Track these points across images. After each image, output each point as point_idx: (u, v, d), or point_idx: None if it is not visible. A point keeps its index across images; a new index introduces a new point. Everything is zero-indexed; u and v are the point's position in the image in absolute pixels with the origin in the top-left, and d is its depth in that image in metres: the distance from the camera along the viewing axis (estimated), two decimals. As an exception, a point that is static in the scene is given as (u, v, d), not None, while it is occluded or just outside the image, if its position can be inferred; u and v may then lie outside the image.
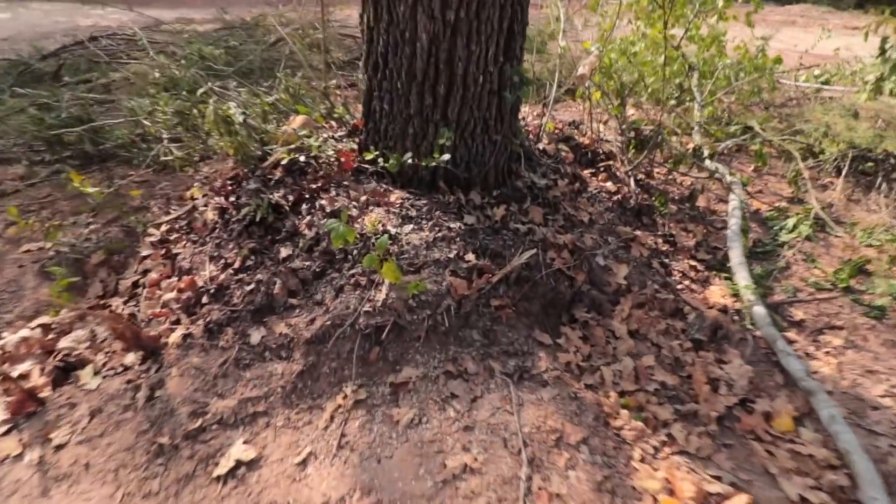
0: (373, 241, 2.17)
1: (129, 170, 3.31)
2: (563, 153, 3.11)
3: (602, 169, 3.13)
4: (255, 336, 1.96)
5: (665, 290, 2.51)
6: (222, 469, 1.61)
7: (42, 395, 1.86)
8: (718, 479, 1.69)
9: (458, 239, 2.23)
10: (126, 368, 1.95)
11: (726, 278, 2.65)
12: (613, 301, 2.38)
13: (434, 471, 1.64)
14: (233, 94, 2.49)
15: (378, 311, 1.96)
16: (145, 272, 2.49)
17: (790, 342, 2.30)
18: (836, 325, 2.40)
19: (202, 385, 1.82)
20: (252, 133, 2.29)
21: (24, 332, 2.11)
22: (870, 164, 3.71)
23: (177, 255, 2.48)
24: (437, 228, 2.28)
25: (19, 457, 1.66)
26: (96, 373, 1.95)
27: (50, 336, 2.14)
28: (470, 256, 2.17)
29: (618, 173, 3.13)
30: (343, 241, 2.00)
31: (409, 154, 2.26)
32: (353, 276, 2.08)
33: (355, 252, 2.17)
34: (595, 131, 3.31)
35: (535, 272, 2.25)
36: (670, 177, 3.53)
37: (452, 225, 2.29)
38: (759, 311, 2.30)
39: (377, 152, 2.43)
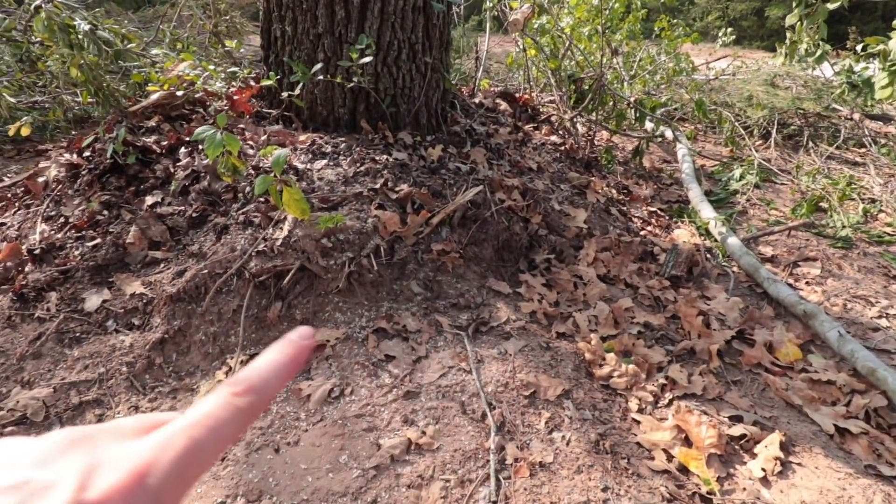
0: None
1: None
2: (502, 107, 2.81)
3: (545, 121, 2.85)
4: (93, 300, 1.35)
5: (629, 234, 2.20)
6: (5, 491, 0.98)
7: None
8: (739, 419, 1.30)
9: (385, 171, 1.78)
10: None
11: (691, 221, 2.39)
12: (576, 246, 2.02)
13: (363, 455, 1.12)
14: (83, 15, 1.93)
15: (278, 252, 1.44)
16: (-49, 250, 1.79)
17: (769, 277, 2.05)
18: (809, 256, 2.19)
19: (-3, 372, 1.19)
20: (105, 48, 1.73)
21: None
22: (793, 127, 3.78)
23: (3, 224, 1.81)
24: (358, 164, 1.82)
25: None
26: None
27: None
28: (402, 186, 1.72)
29: (561, 128, 2.87)
30: (229, 168, 1.49)
31: (320, 65, 1.80)
32: (243, 214, 1.55)
33: (247, 189, 1.64)
34: (533, 86, 3.05)
35: (484, 210, 1.84)
36: (611, 142, 3.34)
37: (379, 157, 1.85)
38: (734, 241, 2.04)
39: (278, 77, 1.95)
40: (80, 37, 1.68)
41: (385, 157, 1.86)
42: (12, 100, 2.00)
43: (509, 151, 2.38)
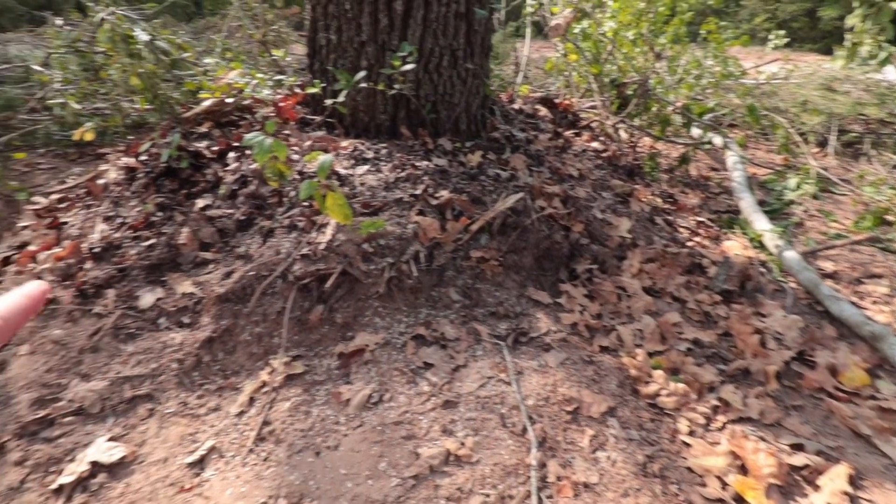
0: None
1: (32, 151, 2.75)
2: (541, 113, 2.77)
3: (585, 127, 2.79)
4: (147, 298, 1.41)
5: (675, 244, 2.11)
6: (68, 477, 1.02)
7: None
8: (800, 448, 1.22)
9: (425, 178, 1.78)
10: (-45, 354, 1.35)
11: (743, 233, 2.28)
12: (619, 256, 1.95)
13: (402, 463, 1.11)
14: (145, 26, 2.04)
15: (321, 255, 1.45)
16: (22, 246, 1.91)
17: (830, 294, 1.91)
18: (874, 273, 2.03)
19: (60, 363, 1.25)
20: (162, 58, 1.82)
21: None
22: (853, 134, 3.55)
23: (65, 223, 1.92)
24: (399, 169, 1.83)
25: None
26: None
27: None
28: (442, 193, 1.71)
29: (602, 134, 2.80)
30: (275, 172, 1.53)
31: (363, 73, 1.83)
32: (288, 218, 1.58)
33: (292, 194, 1.68)
34: (574, 91, 3.00)
35: (524, 218, 1.81)
36: (654, 149, 3.24)
37: (419, 164, 1.85)
38: (792, 255, 1.92)
39: (324, 84, 1.99)
40: (139, 47, 1.77)
41: (425, 163, 1.87)
42: (77, 106, 2.13)
43: (549, 158, 2.34)
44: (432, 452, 1.13)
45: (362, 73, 1.81)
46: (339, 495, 1.03)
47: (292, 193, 1.68)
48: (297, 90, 2.27)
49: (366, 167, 1.83)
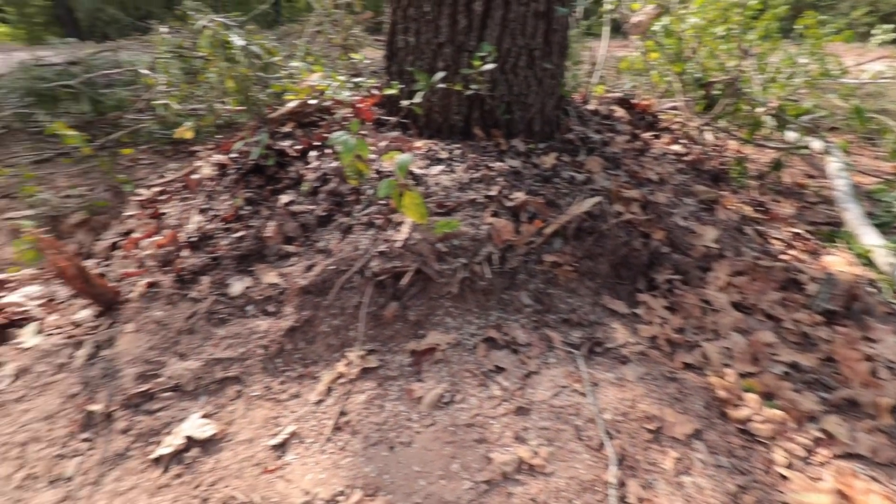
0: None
1: (135, 148, 3.04)
2: (617, 114, 2.65)
3: (665, 129, 2.64)
4: (237, 286, 1.50)
5: (768, 257, 1.94)
6: (166, 449, 1.11)
7: (-37, 354, 1.44)
8: (926, 495, 1.07)
9: (499, 179, 1.76)
10: (76, 326, 1.51)
11: (848, 247, 2.05)
12: (703, 267, 1.82)
13: (474, 467, 1.10)
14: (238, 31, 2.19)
15: (396, 253, 1.48)
16: (127, 233, 2.11)
17: (958, 322, 1.67)
18: None
19: (161, 342, 1.36)
20: (254, 61, 1.94)
21: (-32, 288, 1.73)
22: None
23: (164, 214, 2.10)
24: (473, 170, 1.82)
25: None
26: (40, 331, 1.53)
27: (1, 293, 1.74)
28: (517, 194, 1.68)
29: (684, 136, 2.63)
30: (355, 171, 1.57)
31: (442, 74, 1.84)
32: (366, 215, 1.62)
33: (370, 192, 1.72)
34: (653, 91, 2.85)
35: (601, 223, 1.74)
36: (740, 153, 3.00)
37: (493, 165, 1.83)
38: (911, 276, 1.70)
39: (401, 85, 2.03)
40: (235, 51, 1.89)
41: (499, 164, 1.85)
42: (177, 107, 2.32)
43: (627, 161, 2.23)
44: (505, 459, 1.11)
45: (441, 74, 1.83)
46: (412, 492, 1.03)
47: (370, 191, 1.72)
48: (375, 92, 2.33)
49: (440, 167, 1.84)
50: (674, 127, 2.74)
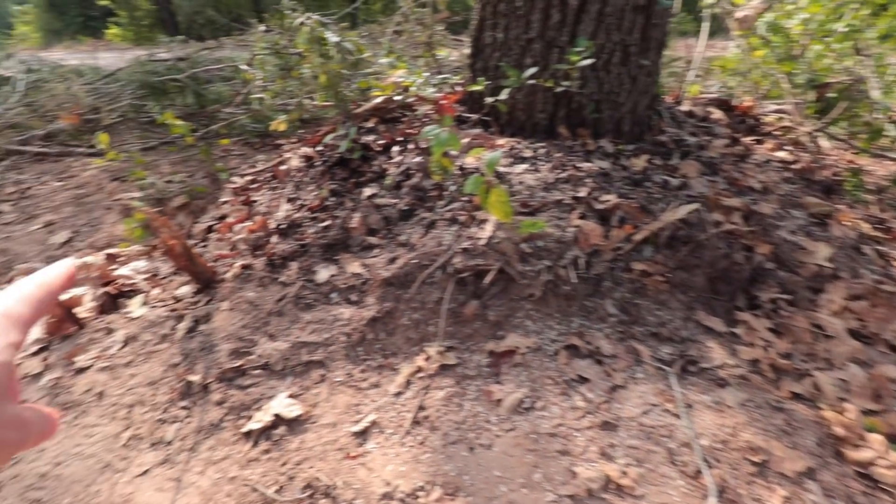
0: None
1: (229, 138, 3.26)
2: (714, 116, 2.46)
3: (769, 134, 2.41)
4: (323, 274, 1.55)
5: (892, 282, 1.70)
6: (256, 424, 1.15)
7: (84, 318, 1.60)
8: None
9: (588, 180, 1.69)
10: (177, 300, 1.63)
11: None
12: (814, 288, 1.63)
13: (557, 479, 1.04)
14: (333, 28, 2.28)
15: (480, 251, 1.45)
16: (222, 218, 2.26)
17: None
18: None
19: (252, 322, 1.43)
20: (346, 57, 2.00)
21: (89, 258, 1.92)
22: None
23: (255, 201, 2.22)
24: (558, 170, 1.76)
25: (38, 377, 1.36)
26: (145, 303, 1.66)
27: (112, 266, 1.93)
28: (609, 197, 1.60)
29: (790, 142, 2.39)
30: (440, 167, 1.57)
31: (534, 69, 1.79)
32: (448, 211, 1.61)
33: (453, 188, 1.71)
34: (758, 89, 2.62)
35: (697, 232, 1.61)
36: (853, 164, 2.68)
37: (581, 165, 1.76)
38: None
39: (487, 81, 2.00)
40: (329, 48, 1.96)
41: (587, 164, 1.77)
42: (271, 101, 2.45)
43: (726, 167, 2.06)
44: (591, 475, 1.05)
45: (532, 70, 1.78)
46: (493, 497, 1.00)
47: (452, 188, 1.71)
48: (458, 88, 2.32)
49: (524, 166, 1.79)
50: (778, 132, 2.50)
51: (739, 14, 2.32)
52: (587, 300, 1.52)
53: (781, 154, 2.35)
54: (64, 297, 1.68)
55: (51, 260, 2.13)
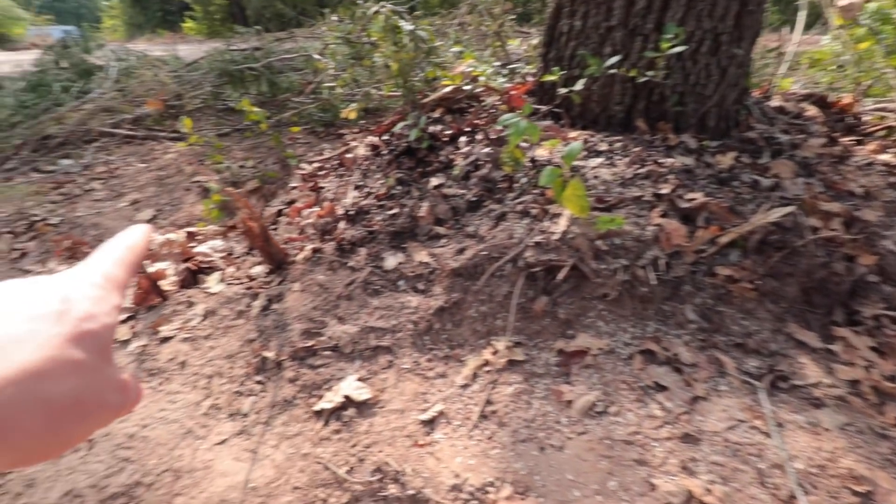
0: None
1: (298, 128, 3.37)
2: (808, 113, 2.25)
3: (872, 135, 2.18)
4: (391, 261, 1.55)
5: None
6: (326, 404, 1.17)
7: (167, 291, 1.70)
8: None
9: (670, 177, 1.59)
10: (251, 279, 1.70)
11: None
12: (927, 306, 1.46)
13: (634, 489, 0.99)
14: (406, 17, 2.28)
15: (553, 246, 1.40)
16: (291, 202, 2.34)
17: None
18: None
19: (323, 304, 1.46)
20: (419, 45, 1.99)
21: (171, 236, 2.04)
22: None
23: (323, 188, 2.28)
24: (637, 165, 1.67)
25: (125, 343, 1.46)
26: (221, 280, 1.74)
27: (192, 243, 2.04)
28: (695, 196, 1.50)
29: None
30: (512, 158, 1.53)
31: (617, 58, 1.71)
32: (519, 204, 1.57)
33: (524, 180, 1.66)
34: (858, 85, 2.37)
35: (792, 237, 1.48)
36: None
37: (662, 161, 1.66)
38: None
39: (562, 71, 1.93)
40: (402, 36, 1.96)
41: (669, 160, 1.66)
42: (341, 91, 2.50)
43: (822, 168, 1.88)
44: (671, 489, 0.99)
45: (615, 58, 1.69)
46: (566, 500, 0.96)
47: (523, 180, 1.66)
48: (530, 78, 2.26)
49: (599, 160, 1.71)
50: (882, 132, 2.25)
51: (843, 2, 2.10)
52: (665, 304, 1.43)
53: (885, 157, 2.11)
54: (150, 269, 1.80)
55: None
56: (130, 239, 0.35)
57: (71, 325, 0.25)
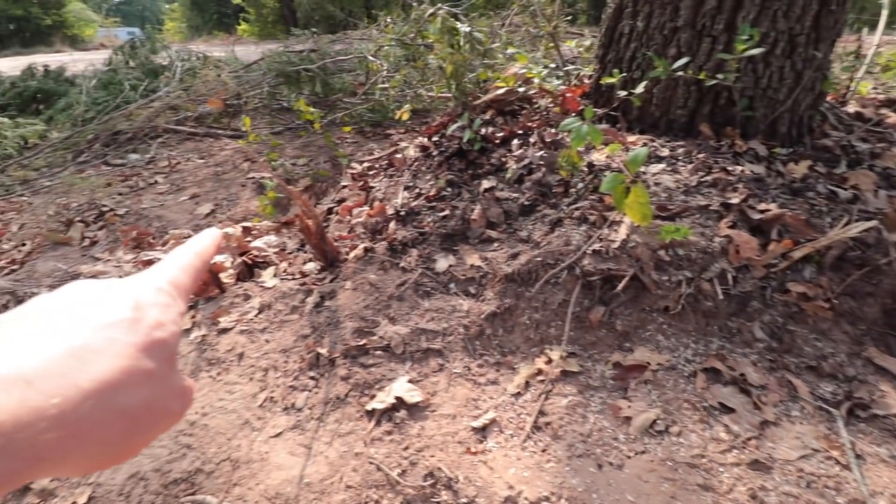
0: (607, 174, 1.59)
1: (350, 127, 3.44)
2: (889, 120, 2.08)
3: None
4: (442, 263, 1.55)
5: None
6: (378, 404, 1.18)
7: (225, 283, 1.76)
8: None
9: (739, 185, 1.50)
10: (304, 276, 1.74)
11: None
12: None
13: (698, 515, 0.93)
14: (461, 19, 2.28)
15: (612, 255, 1.36)
16: (341, 201, 2.38)
17: None
18: None
19: (374, 303, 1.47)
20: (476, 47, 1.98)
21: (229, 230, 2.12)
22: None
23: (372, 187, 2.31)
24: (702, 172, 1.59)
25: (187, 332, 1.52)
26: (275, 275, 1.79)
27: (248, 238, 2.11)
28: (769, 206, 1.41)
29: None
30: (569, 162, 1.49)
31: (685, 60, 1.64)
32: (576, 210, 1.53)
33: (580, 185, 1.62)
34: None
35: (875, 254, 1.37)
36: None
37: (730, 168, 1.58)
38: None
39: (621, 73, 1.86)
40: (458, 38, 1.96)
41: (739, 168, 1.58)
42: (393, 92, 2.53)
43: (908, 181, 1.73)
44: (740, 518, 0.93)
45: (684, 60, 1.62)
46: (625, 522, 0.92)
47: (580, 185, 1.62)
48: (585, 80, 2.21)
49: (661, 166, 1.65)
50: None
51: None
52: (730, 320, 1.36)
53: (985, 169, 1.92)
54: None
55: (198, 228, 2.39)
56: (200, 245, 0.35)
57: (143, 335, 0.26)
